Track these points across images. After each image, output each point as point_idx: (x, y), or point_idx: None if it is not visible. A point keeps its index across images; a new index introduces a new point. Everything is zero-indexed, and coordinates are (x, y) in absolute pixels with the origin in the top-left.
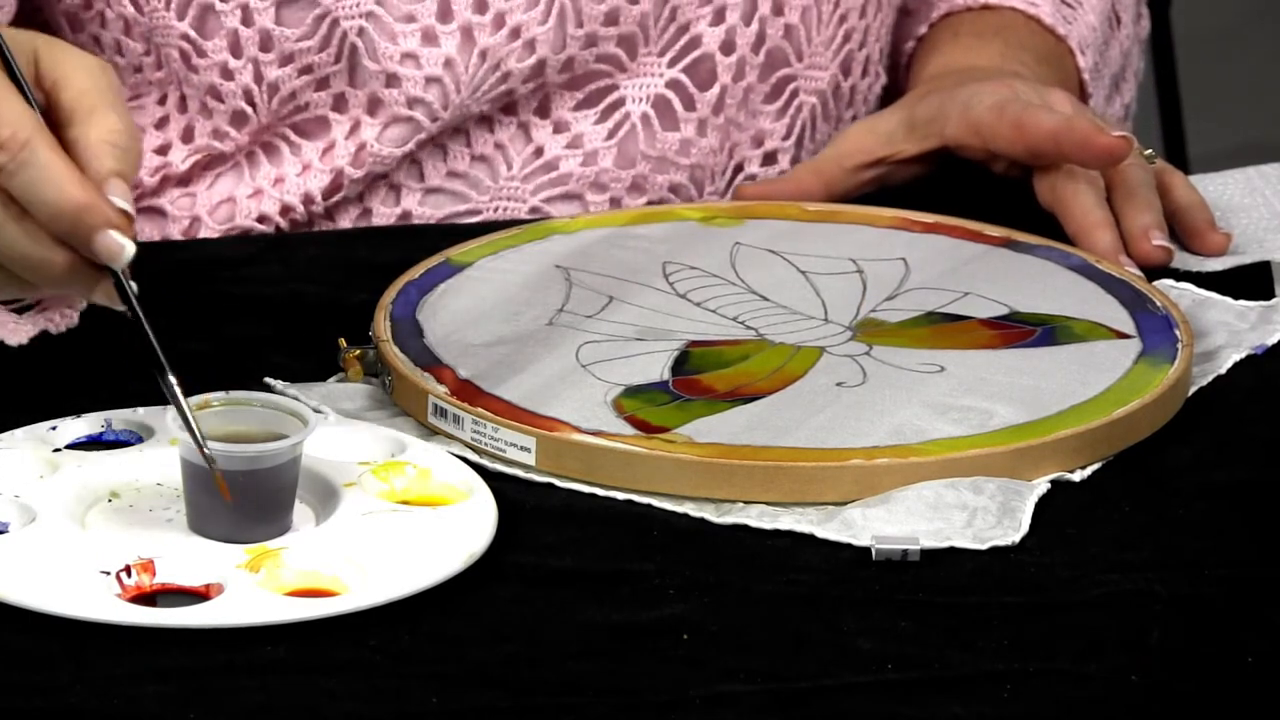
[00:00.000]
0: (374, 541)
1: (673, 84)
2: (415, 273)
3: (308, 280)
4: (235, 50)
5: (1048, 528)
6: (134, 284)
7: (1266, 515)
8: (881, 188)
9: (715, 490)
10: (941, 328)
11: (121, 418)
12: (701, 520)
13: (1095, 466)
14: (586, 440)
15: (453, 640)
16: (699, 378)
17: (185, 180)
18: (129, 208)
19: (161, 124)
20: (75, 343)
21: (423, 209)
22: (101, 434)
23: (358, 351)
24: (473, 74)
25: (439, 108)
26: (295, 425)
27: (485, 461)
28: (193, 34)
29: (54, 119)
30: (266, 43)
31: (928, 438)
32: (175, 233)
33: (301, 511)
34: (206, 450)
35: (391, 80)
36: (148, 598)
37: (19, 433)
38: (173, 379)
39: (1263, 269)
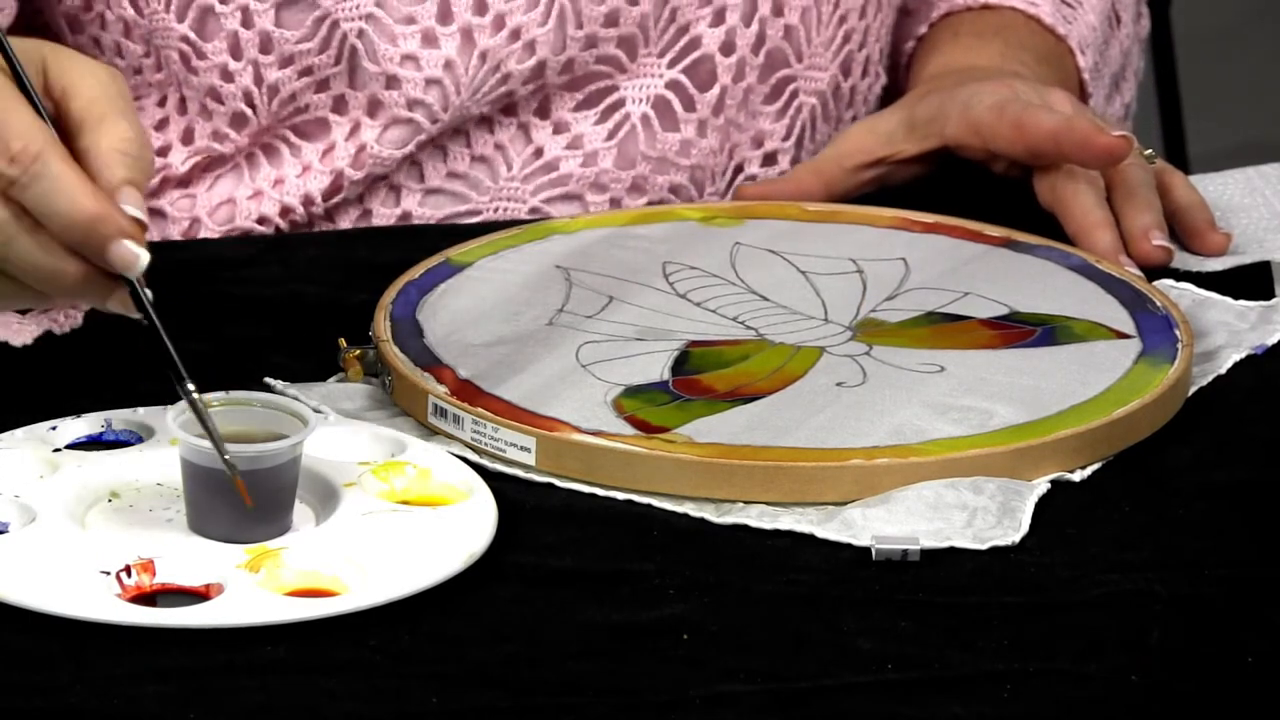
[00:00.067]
0: (374, 541)
1: (673, 85)
2: (415, 273)
3: (308, 280)
4: (235, 52)
5: (1048, 528)
6: (149, 291)
7: (1266, 515)
8: (881, 188)
9: (715, 490)
10: (941, 328)
11: (121, 418)
12: (701, 520)
13: (1095, 466)
14: (586, 440)
15: (453, 640)
16: (699, 378)
17: (185, 182)
18: (142, 216)
19: (161, 126)
20: (75, 342)
21: (423, 210)
22: (101, 434)
23: (358, 351)
24: (473, 75)
25: (439, 109)
26: (295, 425)
27: (485, 461)
28: (192, 36)
29: (64, 127)
30: (266, 45)
31: (928, 438)
32: (175, 234)
33: (301, 511)
34: (227, 455)
35: (391, 82)
36: (148, 598)
37: (19, 433)
38: (191, 386)
39: (1263, 269)
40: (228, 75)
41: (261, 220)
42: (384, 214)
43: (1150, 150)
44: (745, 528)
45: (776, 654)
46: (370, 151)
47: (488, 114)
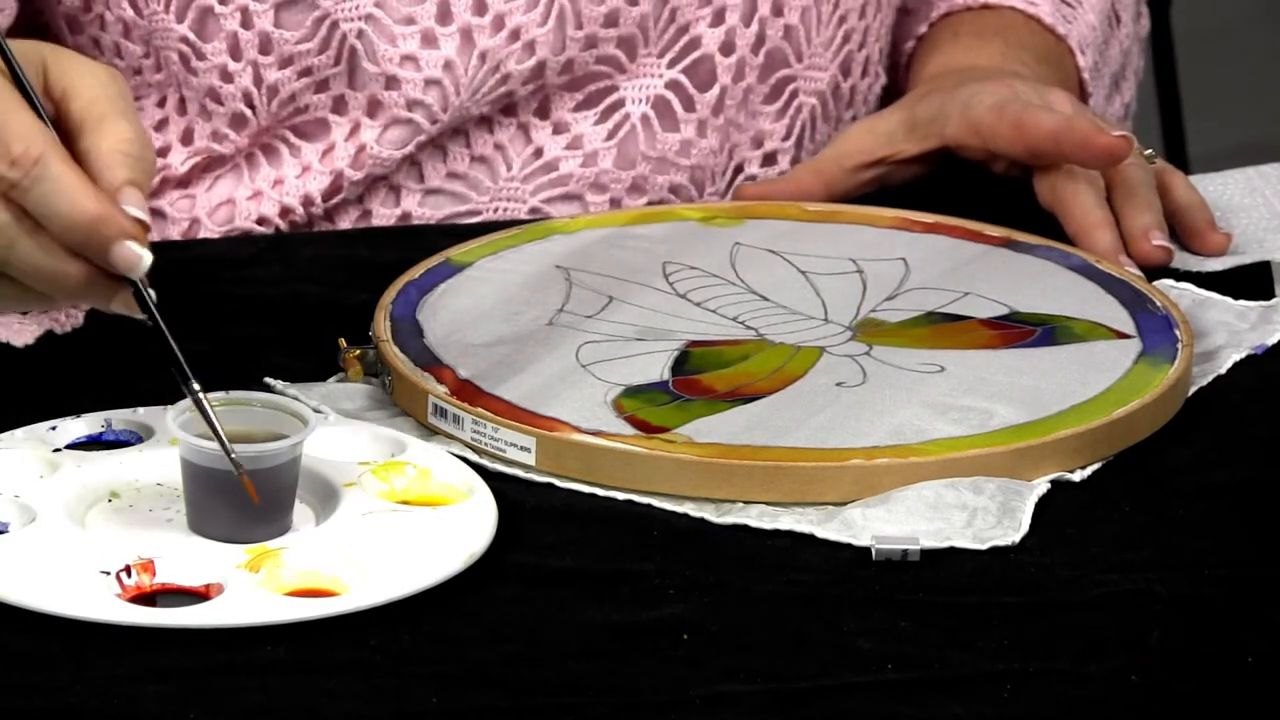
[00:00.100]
0: (374, 541)
1: (672, 85)
2: (415, 273)
3: (308, 280)
4: (234, 53)
5: (1048, 528)
6: (153, 292)
7: (1266, 515)
8: (881, 188)
9: (715, 490)
10: (941, 328)
11: (121, 418)
12: (701, 520)
13: (1095, 466)
14: (586, 440)
15: (453, 640)
16: (699, 378)
17: (184, 182)
18: (144, 216)
19: (161, 126)
20: (75, 342)
21: (422, 210)
22: (101, 434)
23: (358, 351)
24: (472, 76)
25: (438, 110)
26: (295, 425)
27: (485, 461)
28: (192, 36)
29: (64, 128)
30: (266, 45)
31: (928, 438)
32: (174, 234)
33: (301, 511)
34: (233, 454)
35: (391, 82)
36: (148, 598)
37: (19, 433)
38: (197, 385)
39: (1263, 269)
40: (227, 76)
41: (261, 221)
42: (384, 214)
43: (1150, 150)
44: (745, 528)
45: (776, 654)
46: (370, 152)
47: (487, 114)
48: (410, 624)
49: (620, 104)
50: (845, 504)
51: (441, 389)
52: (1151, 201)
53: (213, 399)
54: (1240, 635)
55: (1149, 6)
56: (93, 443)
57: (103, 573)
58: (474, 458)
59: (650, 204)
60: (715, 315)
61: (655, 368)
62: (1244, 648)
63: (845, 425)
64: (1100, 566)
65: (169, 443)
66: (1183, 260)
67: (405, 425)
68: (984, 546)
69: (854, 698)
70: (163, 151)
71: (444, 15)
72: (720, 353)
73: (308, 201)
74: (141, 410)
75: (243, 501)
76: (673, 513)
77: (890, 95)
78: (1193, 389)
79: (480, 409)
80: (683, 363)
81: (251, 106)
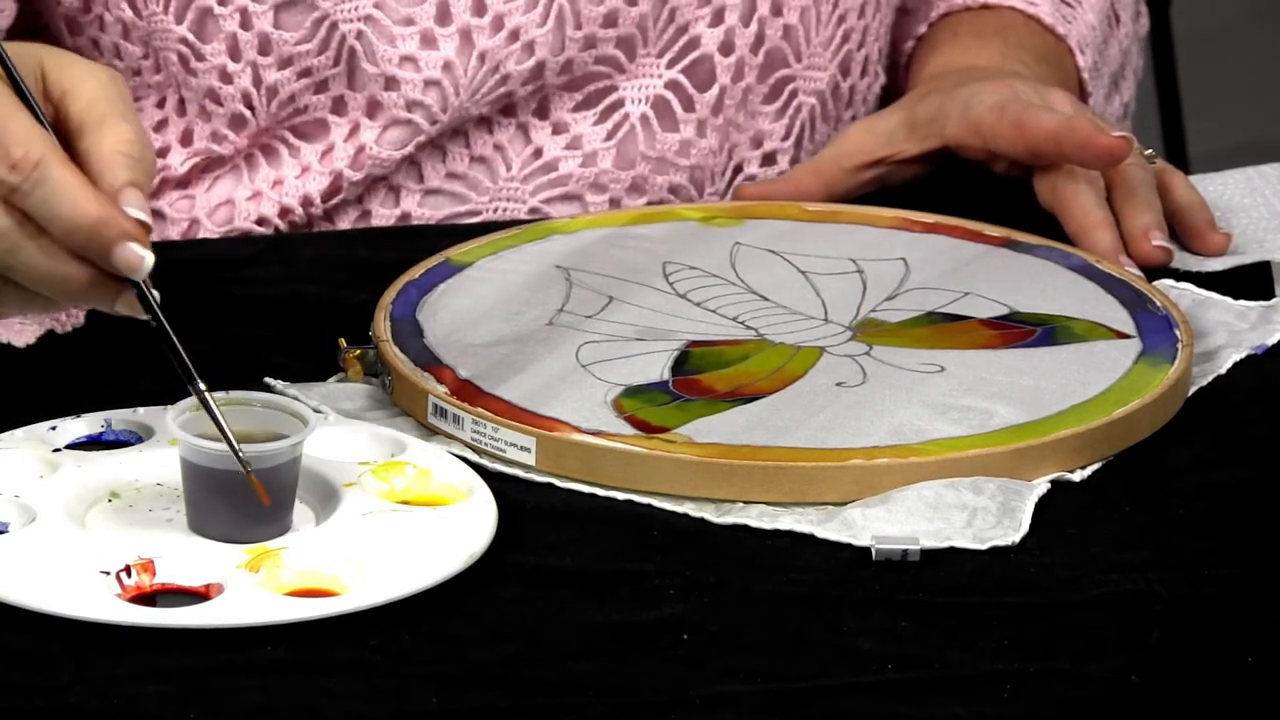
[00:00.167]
0: (374, 541)
1: (671, 85)
2: (415, 273)
3: (308, 280)
4: (234, 53)
5: (1048, 528)
6: (156, 293)
7: (1266, 515)
8: (881, 188)
9: (715, 490)
10: (941, 328)
11: (121, 418)
12: (701, 520)
13: (1095, 466)
14: (586, 440)
15: (453, 640)
16: (699, 378)
17: (184, 183)
18: (146, 217)
19: (160, 127)
20: (75, 342)
21: (422, 210)
22: (101, 434)
23: (358, 351)
24: (471, 76)
25: (438, 110)
26: (295, 425)
27: (485, 461)
28: (191, 37)
29: (63, 130)
30: (265, 46)
31: (928, 438)
32: (174, 235)
33: (301, 511)
34: (241, 454)
35: (390, 83)
36: (148, 598)
37: (19, 433)
38: (203, 385)
39: (1263, 269)
40: (226, 77)
41: (260, 221)
42: (383, 215)
43: (1150, 150)
44: (745, 528)
45: (776, 654)
46: (369, 152)
47: (487, 115)
48: (410, 624)
49: (619, 104)
50: (845, 504)
51: (441, 389)
52: (1151, 201)
53: (213, 399)
54: (1240, 635)
55: (1149, 6)
56: (93, 443)
57: (103, 573)
58: (474, 458)
59: (650, 204)
60: (715, 315)
61: (655, 368)
62: (1244, 648)
63: (845, 425)
64: (1100, 566)
65: (169, 443)
66: (1183, 260)
67: (405, 425)
68: (984, 546)
69: (854, 698)
70: (162, 152)
71: (443, 16)
72: (720, 353)
73: (307, 202)
74: (141, 410)
75: (243, 501)
76: (673, 513)
77: (890, 95)
78: (1193, 389)
79: (480, 409)
80: (683, 363)
81: (251, 107)
